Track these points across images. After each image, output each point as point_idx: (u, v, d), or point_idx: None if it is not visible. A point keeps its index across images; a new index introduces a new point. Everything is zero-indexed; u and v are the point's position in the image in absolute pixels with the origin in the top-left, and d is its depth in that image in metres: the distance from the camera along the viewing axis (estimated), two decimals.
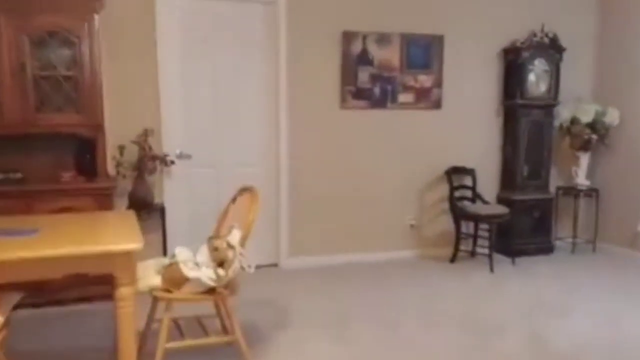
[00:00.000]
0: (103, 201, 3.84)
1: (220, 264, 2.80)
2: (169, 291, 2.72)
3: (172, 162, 4.31)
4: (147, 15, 4.29)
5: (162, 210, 4.29)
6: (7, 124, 3.69)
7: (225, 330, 3.07)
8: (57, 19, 3.74)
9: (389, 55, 5.01)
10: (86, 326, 3.53)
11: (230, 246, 2.80)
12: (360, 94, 4.96)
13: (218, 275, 2.73)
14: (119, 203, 4.11)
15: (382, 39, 4.96)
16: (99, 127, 3.89)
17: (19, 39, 3.66)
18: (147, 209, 4.16)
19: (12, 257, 2.19)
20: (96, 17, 3.82)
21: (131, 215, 3.02)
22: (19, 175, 3.79)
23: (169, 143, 4.42)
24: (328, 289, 4.35)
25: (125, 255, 2.37)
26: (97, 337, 3.33)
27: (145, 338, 3.01)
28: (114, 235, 2.56)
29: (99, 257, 2.33)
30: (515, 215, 5.13)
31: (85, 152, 3.96)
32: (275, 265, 4.91)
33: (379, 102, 5.03)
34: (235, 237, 2.86)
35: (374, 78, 4.98)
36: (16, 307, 2.45)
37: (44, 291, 3.50)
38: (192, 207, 4.61)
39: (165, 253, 4.20)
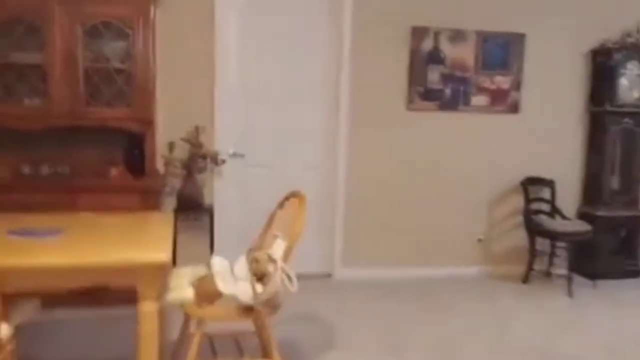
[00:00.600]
0: (150, 200, 3.60)
1: (260, 278, 2.46)
2: (201, 306, 2.40)
3: (223, 161, 4.02)
4: (205, 8, 4.01)
5: (211, 212, 4.00)
6: (57, 116, 3.51)
7: (264, 351, 2.72)
8: (111, 9, 3.52)
9: (463, 54, 4.51)
10: (107, 334, 3.23)
11: (271, 259, 2.45)
12: (429, 95, 4.50)
13: (255, 292, 2.39)
14: (167, 202, 3.87)
15: (456, 36, 4.47)
16: (149, 123, 3.65)
17: (72, 29, 3.47)
18: (195, 209, 3.89)
19: (20, 264, 1.93)
20: (152, 8, 3.59)
21: (168, 219, 2.73)
22: (66, 169, 3.61)
23: (221, 141, 4.13)
24: (382, 306, 3.92)
25: (149, 268, 2.06)
26: (118, 348, 3.00)
27: (178, 354, 2.71)
28: (141, 242, 2.26)
29: (120, 268, 2.04)
30: (598, 233, 4.50)
31: (134, 148, 3.74)
32: (327, 275, 4.53)
33: (450, 104, 4.55)
34: (278, 249, 2.51)
35: (445, 78, 4.50)
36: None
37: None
38: (242, 210, 4.31)
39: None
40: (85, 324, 3.35)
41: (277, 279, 2.40)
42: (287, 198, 2.79)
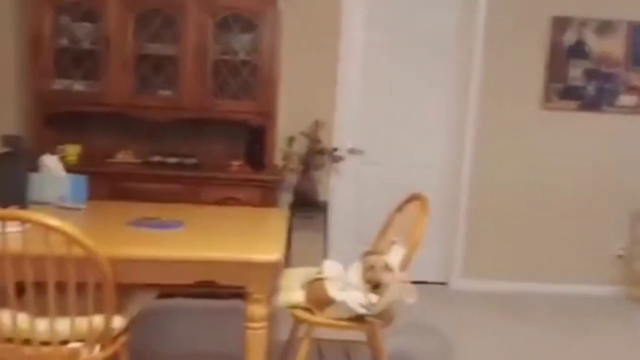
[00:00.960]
0: (268, 194, 3.53)
1: (375, 286, 2.24)
2: (310, 311, 2.24)
3: (341, 158, 3.85)
4: (333, 2, 3.86)
5: (325, 210, 3.86)
6: (186, 108, 3.54)
7: None
8: (242, 1, 3.47)
9: (611, 48, 3.95)
10: (220, 326, 3.18)
11: (388, 267, 2.22)
12: (569, 93, 3.99)
13: (369, 302, 2.18)
14: (283, 197, 3.79)
15: (604, 27, 3.92)
16: (271, 116, 3.58)
17: (204, 21, 3.47)
18: (311, 206, 3.77)
19: (135, 255, 1.89)
20: (280, 0, 3.50)
21: (283, 217, 2.60)
22: (192, 160, 3.64)
23: (340, 137, 3.97)
24: (505, 322, 3.54)
25: (260, 267, 1.93)
26: (229, 343, 2.95)
27: (287, 356, 2.59)
28: (255, 240, 2.15)
29: (230, 266, 1.93)
30: None
31: (255, 141, 3.69)
32: (444, 284, 4.20)
33: (592, 104, 4.01)
34: (395, 256, 2.28)
35: (589, 74, 3.97)
36: None
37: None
38: (359, 209, 4.12)
39: (325, 256, 3.78)
40: (198, 315, 3.35)
41: (393, 290, 2.17)
42: (407, 201, 2.55)
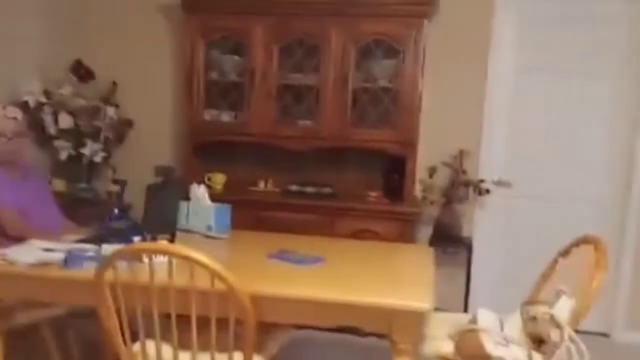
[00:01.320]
0: (406, 228, 3.30)
1: (538, 342, 1.91)
2: None
3: (488, 191, 3.50)
4: (483, 24, 3.55)
5: (469, 247, 3.51)
6: (325, 137, 3.45)
7: None
8: (384, 26, 3.32)
9: None
10: None
11: (555, 322, 1.88)
12: None
13: None
14: (422, 231, 3.52)
15: None
16: (411, 145, 3.37)
17: (346, 49, 3.37)
18: (452, 242, 3.46)
19: (279, 293, 1.75)
20: (425, 23, 3.31)
21: (429, 255, 2.36)
22: (329, 190, 3.53)
23: (487, 168, 3.62)
24: None
25: (409, 316, 1.71)
26: None
27: None
28: (400, 282, 1.93)
29: (376, 312, 1.72)
30: None
31: (393, 171, 3.49)
32: (605, 335, 3.62)
33: None
34: (563, 308, 1.93)
35: None
36: None
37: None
38: (506, 247, 3.71)
39: (466, 298, 3.44)
40: (332, 349, 3.18)
41: (562, 351, 1.82)
42: (576, 243, 2.18)
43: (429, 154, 3.57)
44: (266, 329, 1.92)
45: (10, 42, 3.45)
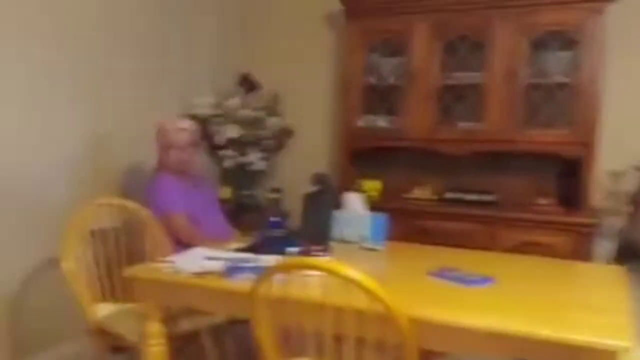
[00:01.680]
0: (581, 241, 2.86)
1: None
2: None
3: None
4: None
5: None
6: (490, 139, 3.13)
7: None
8: (560, 15, 2.93)
9: None
10: None
11: None
12: None
13: None
14: (600, 246, 3.01)
15: None
16: (589, 146, 2.91)
17: (515, 43, 3.02)
18: None
19: (440, 319, 1.53)
20: (607, 10, 2.84)
21: (620, 276, 1.96)
22: (491, 197, 3.19)
23: None
24: None
25: (605, 356, 1.38)
26: None
27: None
28: (590, 313, 1.59)
29: (561, 350, 1.42)
30: None
31: (567, 176, 3.04)
32: None
33: None
34: None
35: None
36: None
37: None
38: None
39: None
40: None
41: None
42: None
43: (613, 156, 3.05)
44: (426, 356, 1.72)
45: (186, 60, 3.69)
